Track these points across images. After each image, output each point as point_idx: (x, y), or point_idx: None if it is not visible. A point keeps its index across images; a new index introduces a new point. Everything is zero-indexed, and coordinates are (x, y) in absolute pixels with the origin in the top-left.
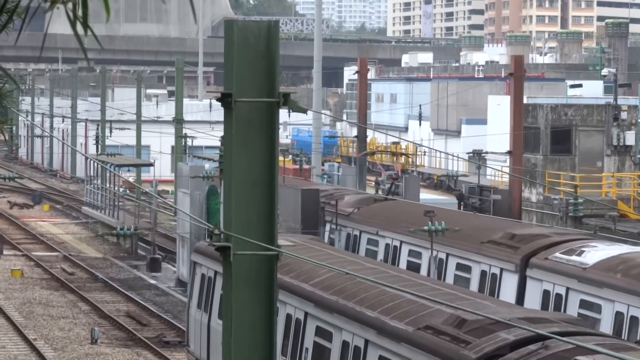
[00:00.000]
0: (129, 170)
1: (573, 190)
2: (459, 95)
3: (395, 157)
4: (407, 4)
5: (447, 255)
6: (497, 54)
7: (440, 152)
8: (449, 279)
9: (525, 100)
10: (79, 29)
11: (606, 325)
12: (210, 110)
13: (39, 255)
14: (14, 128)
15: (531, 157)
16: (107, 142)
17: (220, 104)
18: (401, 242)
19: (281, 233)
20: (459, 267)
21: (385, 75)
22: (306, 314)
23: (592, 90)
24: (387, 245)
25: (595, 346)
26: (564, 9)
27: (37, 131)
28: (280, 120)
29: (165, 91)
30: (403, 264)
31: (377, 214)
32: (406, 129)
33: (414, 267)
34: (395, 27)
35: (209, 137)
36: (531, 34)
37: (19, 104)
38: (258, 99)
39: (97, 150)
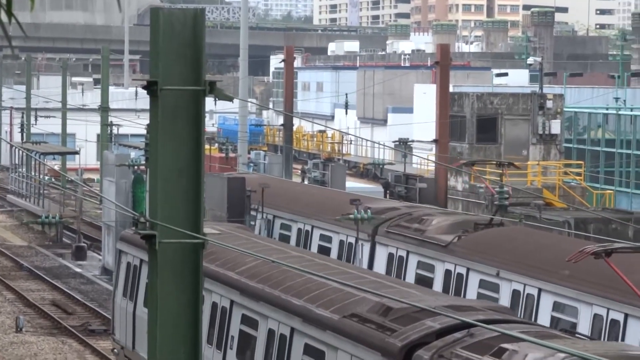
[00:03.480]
0: (54, 159)
1: (498, 178)
2: (385, 83)
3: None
4: None
5: (626, 316)
6: (423, 42)
7: (367, 140)
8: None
9: (451, 89)
10: (3, 16)
11: None
12: (136, 99)
13: None
14: None
15: (457, 145)
16: (33, 130)
17: (146, 92)
18: (539, 289)
19: (207, 221)
20: None
21: (311, 63)
22: (232, 302)
23: (517, 79)
24: (514, 292)
25: (520, 334)
26: None
27: None
28: (207, 109)
29: (90, 79)
30: (545, 321)
31: (492, 245)
32: (332, 118)
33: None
34: (321, 16)
35: (135, 125)
36: (457, 23)
37: None
38: (184, 87)
39: (22, 139)
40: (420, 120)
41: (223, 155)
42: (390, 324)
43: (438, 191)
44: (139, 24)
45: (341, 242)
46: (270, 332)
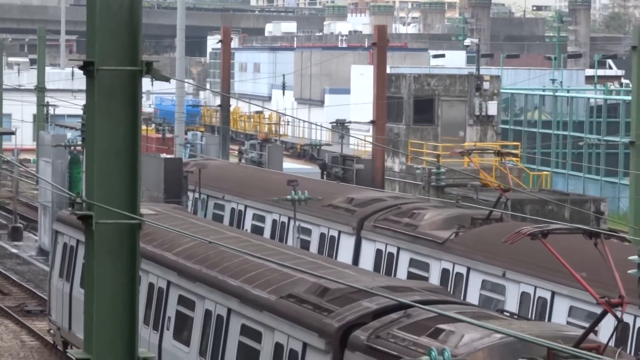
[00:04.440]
0: None
1: (435, 159)
2: (323, 64)
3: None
4: None
5: None
6: (361, 23)
7: (304, 121)
8: None
9: (388, 70)
10: None
11: None
12: (73, 79)
13: None
14: None
15: (394, 126)
16: None
17: (82, 72)
18: (553, 292)
19: (144, 202)
20: None
21: (248, 44)
22: (169, 282)
23: (454, 61)
24: (523, 294)
25: (456, 314)
26: None
27: None
28: (143, 89)
29: (27, 59)
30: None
31: (497, 243)
32: (269, 99)
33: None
34: None
35: (72, 105)
36: (394, 4)
37: None
38: (121, 68)
39: None
40: (358, 102)
41: (160, 135)
42: (327, 304)
43: (375, 172)
44: (75, 4)
45: (322, 235)
46: (207, 313)
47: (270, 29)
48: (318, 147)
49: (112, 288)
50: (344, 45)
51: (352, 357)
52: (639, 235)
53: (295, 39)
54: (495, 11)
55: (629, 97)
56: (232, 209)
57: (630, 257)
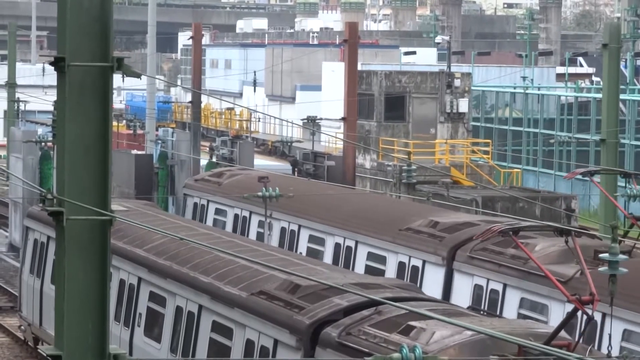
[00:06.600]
0: None
1: (407, 156)
2: (294, 61)
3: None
4: None
5: None
6: (332, 20)
7: (275, 117)
8: None
9: (359, 67)
10: None
11: None
12: (44, 75)
13: None
14: None
15: (365, 123)
16: None
17: (53, 68)
18: None
19: (115, 198)
20: None
21: (220, 41)
22: (140, 279)
23: (425, 58)
24: None
25: (427, 311)
26: None
27: None
28: (114, 85)
29: None
30: None
31: (634, 284)
32: (241, 95)
33: None
34: None
35: (42, 101)
36: (366, 1)
37: None
38: (92, 64)
39: None
40: (329, 98)
41: (131, 132)
42: (298, 301)
43: (346, 169)
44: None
45: (401, 265)
46: (178, 310)
47: (241, 25)
48: (289, 143)
49: (83, 284)
50: (315, 42)
51: (323, 353)
52: (609, 233)
53: (266, 35)
54: (467, 8)
55: (599, 95)
56: (283, 229)
57: (600, 255)
